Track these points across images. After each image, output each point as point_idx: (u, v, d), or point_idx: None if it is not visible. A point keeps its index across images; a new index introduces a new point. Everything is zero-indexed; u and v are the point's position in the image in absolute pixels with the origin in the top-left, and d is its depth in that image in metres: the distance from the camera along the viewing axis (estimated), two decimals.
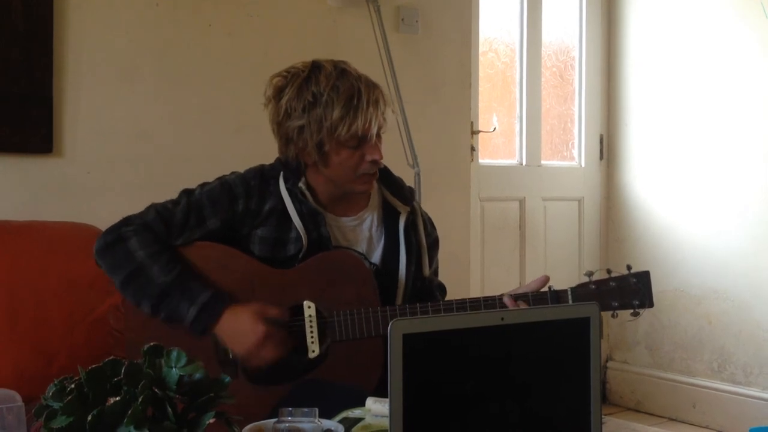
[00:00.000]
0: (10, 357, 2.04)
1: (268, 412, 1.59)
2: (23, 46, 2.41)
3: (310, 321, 1.83)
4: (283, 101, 1.84)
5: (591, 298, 1.79)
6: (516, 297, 1.81)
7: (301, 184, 1.89)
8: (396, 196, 1.98)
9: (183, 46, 2.74)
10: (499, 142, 3.85)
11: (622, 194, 4.09)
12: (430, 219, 2.06)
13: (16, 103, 2.41)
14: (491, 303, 1.82)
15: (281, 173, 1.91)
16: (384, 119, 1.86)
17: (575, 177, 4.08)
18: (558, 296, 1.81)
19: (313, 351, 1.83)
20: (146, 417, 0.98)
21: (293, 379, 1.82)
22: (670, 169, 3.87)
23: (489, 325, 1.07)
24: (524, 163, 3.89)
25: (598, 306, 1.15)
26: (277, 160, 1.95)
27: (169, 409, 1.00)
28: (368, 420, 1.43)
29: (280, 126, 1.86)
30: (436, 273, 2.07)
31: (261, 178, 1.91)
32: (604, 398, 4.07)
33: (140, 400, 0.98)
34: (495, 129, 3.75)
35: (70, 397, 0.99)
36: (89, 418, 0.97)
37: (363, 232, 1.96)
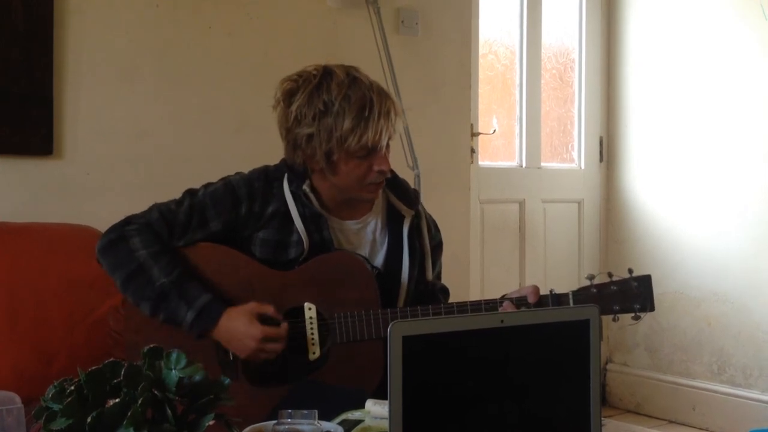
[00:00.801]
0: (10, 358, 2.04)
1: (267, 414, 1.59)
2: (23, 46, 2.41)
3: (311, 323, 1.83)
4: (294, 107, 1.82)
5: (592, 302, 1.79)
6: (518, 303, 1.80)
7: (305, 187, 1.88)
8: (401, 200, 1.97)
9: (183, 46, 2.74)
10: (499, 144, 3.85)
11: (621, 196, 4.09)
12: (434, 222, 2.06)
13: (16, 103, 2.41)
14: (492, 306, 1.81)
15: (285, 175, 1.90)
16: (394, 130, 1.84)
17: (575, 179, 4.08)
18: (559, 300, 1.81)
19: (314, 353, 1.83)
20: (146, 419, 0.98)
21: (293, 381, 1.82)
22: (670, 171, 3.87)
23: (489, 327, 1.07)
24: (524, 165, 3.89)
25: (598, 308, 1.15)
26: (282, 161, 1.94)
27: (169, 411, 1.00)
28: (368, 422, 1.43)
29: (288, 132, 1.85)
30: (439, 276, 2.07)
31: (265, 179, 1.90)
32: (604, 400, 4.07)
33: (140, 402, 0.98)
34: (495, 131, 3.75)
35: (69, 399, 0.99)
36: (89, 419, 0.97)
37: (367, 235, 1.95)
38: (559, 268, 3.95)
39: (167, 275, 1.79)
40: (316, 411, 1.27)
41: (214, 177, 1.95)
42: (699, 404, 3.76)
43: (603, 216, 4.15)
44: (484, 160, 3.71)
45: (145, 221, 1.85)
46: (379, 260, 1.95)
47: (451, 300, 1.99)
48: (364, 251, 1.94)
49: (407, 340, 1.00)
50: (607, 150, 4.14)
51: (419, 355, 1.01)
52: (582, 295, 1.81)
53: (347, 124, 1.77)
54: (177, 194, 1.92)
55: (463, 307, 1.82)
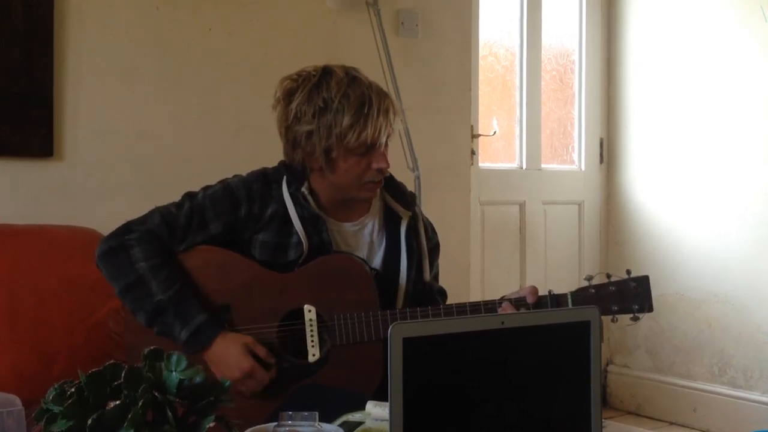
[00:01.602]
0: (10, 360, 2.04)
1: (268, 416, 1.59)
2: (23, 47, 2.41)
3: (311, 325, 1.83)
4: (293, 105, 1.83)
5: (591, 303, 1.79)
6: (517, 303, 1.80)
7: (303, 189, 1.88)
8: (398, 201, 1.98)
9: (183, 47, 2.74)
10: (499, 146, 3.85)
11: (622, 198, 4.09)
12: (431, 224, 2.06)
13: (16, 103, 2.41)
14: (491, 307, 1.82)
15: (284, 177, 1.91)
16: (392, 128, 1.86)
17: (575, 180, 4.08)
18: (558, 300, 1.81)
19: (314, 355, 1.83)
20: (146, 421, 0.98)
21: (293, 383, 1.82)
22: (670, 173, 3.87)
23: (489, 328, 1.07)
24: (524, 166, 3.89)
25: (599, 310, 1.15)
26: (281, 163, 1.95)
27: (169, 413, 1.00)
28: (368, 424, 1.43)
29: (288, 129, 1.86)
30: (436, 278, 2.07)
31: (264, 181, 1.91)
32: (605, 402, 4.06)
33: (140, 404, 0.98)
34: (495, 132, 3.75)
35: (70, 401, 0.99)
36: (89, 422, 0.97)
37: (364, 237, 1.95)
38: (560, 270, 3.95)
39: (165, 291, 1.79)
40: (317, 413, 1.27)
41: (215, 178, 1.95)
42: (700, 406, 3.76)
43: (603, 217, 4.15)
44: (484, 162, 3.71)
45: (146, 228, 1.85)
46: (377, 262, 1.95)
47: (451, 302, 1.99)
48: (362, 253, 1.94)
49: (408, 342, 1.00)
50: (608, 151, 4.14)
51: (420, 356, 1.01)
52: (580, 295, 1.82)
53: (346, 120, 1.78)
54: (177, 195, 1.92)
55: (463, 308, 1.82)
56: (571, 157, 4.12)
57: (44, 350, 2.08)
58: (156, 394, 1.00)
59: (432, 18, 3.36)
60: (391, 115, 1.84)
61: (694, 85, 3.77)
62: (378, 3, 2.93)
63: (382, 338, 1.79)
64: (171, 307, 1.78)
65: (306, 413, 1.26)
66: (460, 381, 1.05)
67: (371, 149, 1.83)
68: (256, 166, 1.97)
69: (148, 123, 2.68)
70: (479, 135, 3.60)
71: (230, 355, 1.78)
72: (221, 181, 1.93)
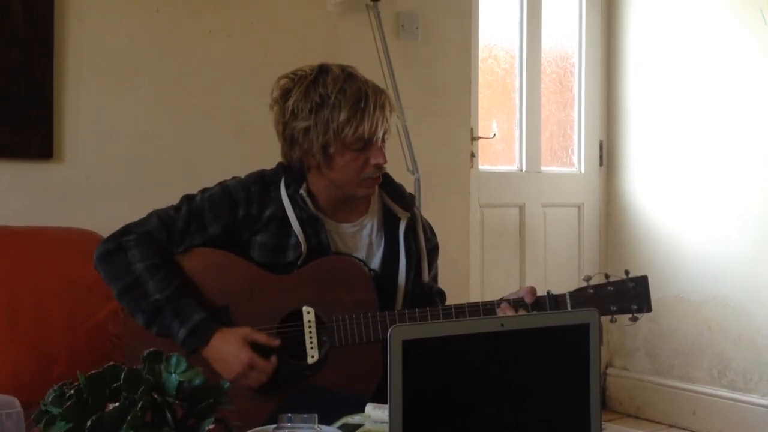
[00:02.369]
0: (10, 362, 2.04)
1: (267, 418, 1.59)
2: (23, 48, 2.41)
3: (309, 326, 1.83)
4: (290, 102, 1.84)
5: (589, 303, 1.79)
6: (515, 304, 1.81)
7: (302, 191, 1.88)
8: (396, 202, 1.98)
9: (183, 49, 2.74)
10: (499, 148, 3.85)
11: (621, 200, 4.09)
12: (430, 225, 2.06)
13: (16, 104, 2.41)
14: (490, 308, 1.82)
15: (282, 179, 1.91)
16: (389, 123, 1.86)
17: (575, 183, 4.09)
18: (556, 301, 1.81)
19: (312, 356, 1.83)
20: (145, 423, 0.98)
21: (293, 385, 1.82)
22: (670, 175, 3.87)
23: (489, 331, 1.07)
24: (524, 169, 3.89)
25: (598, 313, 1.15)
26: (279, 165, 1.95)
27: (169, 415, 1.00)
28: (368, 426, 1.43)
29: (285, 127, 1.86)
30: (435, 279, 2.07)
31: (262, 183, 1.91)
32: (604, 405, 4.06)
33: (139, 405, 0.97)
34: (495, 135, 3.75)
35: (69, 403, 0.99)
36: (88, 423, 0.97)
37: (363, 238, 1.96)
38: (559, 272, 3.95)
39: (162, 290, 1.79)
40: (316, 415, 1.27)
41: (215, 179, 1.95)
42: (699, 408, 3.76)
43: (603, 220, 4.15)
44: (484, 164, 3.71)
45: (144, 230, 1.85)
46: (375, 262, 1.95)
47: (450, 303, 1.99)
48: (361, 254, 1.94)
49: (407, 344, 1.00)
50: (607, 154, 4.14)
51: (419, 358, 1.01)
52: (579, 296, 1.82)
53: (343, 115, 1.79)
54: (177, 197, 1.92)
55: (461, 310, 1.82)
56: (571, 159, 4.12)
57: (43, 352, 2.08)
58: (155, 396, 1.00)
59: (432, 20, 3.36)
60: (388, 111, 1.85)
61: (694, 87, 3.77)
62: (378, 5, 2.93)
63: (381, 339, 1.79)
64: (169, 306, 1.79)
65: (305, 415, 1.26)
66: (459, 383, 1.05)
67: (368, 145, 1.84)
68: (256, 168, 1.97)
69: (148, 124, 2.68)
70: (479, 137, 3.60)
71: (229, 351, 1.78)
72: (219, 183, 1.93)
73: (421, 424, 1.01)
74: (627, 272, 1.84)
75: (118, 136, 2.62)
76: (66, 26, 2.51)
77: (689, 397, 3.79)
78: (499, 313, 1.80)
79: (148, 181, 2.65)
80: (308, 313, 1.83)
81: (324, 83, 1.82)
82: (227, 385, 1.08)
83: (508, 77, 3.87)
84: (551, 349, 1.11)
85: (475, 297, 3.50)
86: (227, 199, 1.88)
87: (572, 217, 4.07)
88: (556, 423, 1.12)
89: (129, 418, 0.97)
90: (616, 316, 1.82)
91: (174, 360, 1.04)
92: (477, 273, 3.62)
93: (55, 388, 1.02)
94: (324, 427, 1.29)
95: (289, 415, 1.26)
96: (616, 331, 4.08)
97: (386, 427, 1.02)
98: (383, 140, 1.87)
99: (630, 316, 1.81)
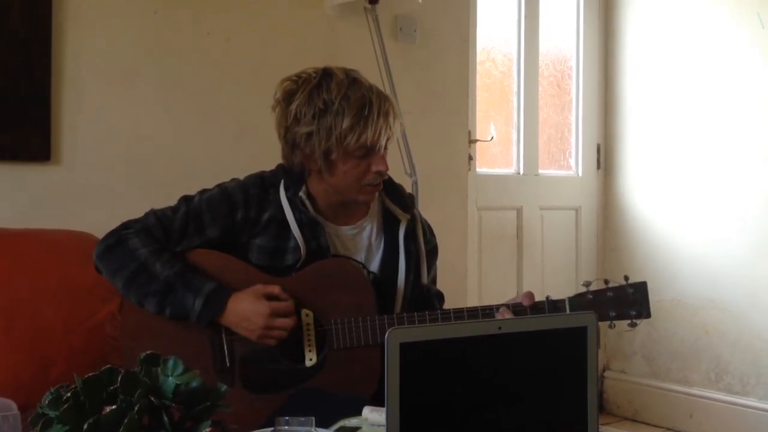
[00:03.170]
0: (7, 364, 2.03)
1: (264, 421, 1.59)
2: (22, 50, 2.40)
3: (308, 329, 1.83)
4: (293, 106, 1.83)
5: (588, 308, 1.79)
6: (514, 309, 1.80)
7: (301, 194, 1.88)
8: (396, 204, 1.98)
9: (182, 51, 2.74)
10: (497, 151, 3.86)
11: (619, 203, 4.10)
12: (429, 226, 2.06)
13: (15, 105, 2.41)
14: (489, 312, 1.82)
15: (282, 181, 1.90)
16: (392, 131, 1.86)
17: (572, 186, 4.09)
18: (556, 306, 1.81)
19: (311, 359, 1.83)
20: (142, 426, 0.98)
21: (290, 388, 1.82)
22: (668, 178, 3.88)
23: (486, 334, 1.07)
24: (522, 172, 3.90)
25: (596, 316, 1.15)
26: (278, 167, 1.95)
27: (166, 418, 1.00)
28: (365, 429, 1.42)
29: (287, 130, 1.86)
30: (434, 281, 2.07)
31: (261, 186, 1.91)
32: (601, 408, 4.06)
33: (137, 408, 0.97)
34: (492, 138, 3.75)
35: (66, 406, 0.99)
36: (85, 426, 0.97)
37: (362, 240, 1.95)
38: (557, 275, 3.95)
39: (171, 268, 1.80)
40: (314, 418, 1.27)
41: (214, 182, 1.95)
42: (697, 412, 3.76)
43: (600, 223, 4.15)
44: (481, 167, 3.71)
45: (142, 226, 1.86)
46: (375, 265, 1.95)
47: (448, 306, 1.99)
48: (360, 256, 1.94)
49: (405, 347, 1.00)
50: (605, 157, 4.15)
51: (417, 362, 1.01)
52: (578, 301, 1.82)
53: (346, 122, 1.78)
54: (175, 199, 1.92)
55: (460, 313, 1.82)
56: (569, 162, 4.13)
57: (41, 354, 2.08)
58: (152, 398, 1.00)
59: (430, 24, 3.36)
60: (391, 118, 1.84)
61: (692, 90, 3.78)
62: (376, 8, 2.93)
63: (379, 343, 1.79)
64: (179, 281, 1.79)
65: (302, 418, 1.26)
66: (456, 386, 1.05)
67: (371, 152, 1.83)
68: (255, 170, 1.97)
69: (147, 126, 2.68)
70: (477, 140, 3.61)
71: (246, 309, 1.78)
72: (218, 185, 1.93)
73: (419, 427, 1.01)
74: (626, 278, 1.84)
75: (116, 137, 2.61)
76: (65, 27, 2.51)
77: (687, 401, 3.79)
78: (498, 317, 1.80)
79: (147, 183, 2.64)
80: (306, 315, 1.83)
81: (328, 88, 1.81)
82: (224, 388, 1.08)
83: (506, 80, 3.87)
84: (549, 353, 1.11)
85: (472, 300, 3.50)
86: (226, 202, 1.88)
87: (570, 220, 4.07)
88: (554, 426, 1.12)
89: (126, 420, 0.97)
90: (615, 321, 1.82)
91: (171, 363, 1.04)
92: (474, 276, 3.62)
93: (52, 390, 1.02)
94: (321, 430, 1.29)
95: (287, 417, 1.26)
96: (614, 335, 4.08)
97: (384, 430, 1.02)
98: (385, 147, 1.86)
99: (629, 322, 1.81)
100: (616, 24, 4.09)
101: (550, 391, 1.11)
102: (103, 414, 0.98)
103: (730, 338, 3.66)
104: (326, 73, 1.85)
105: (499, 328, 1.08)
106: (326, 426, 1.38)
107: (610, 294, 1.82)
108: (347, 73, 1.85)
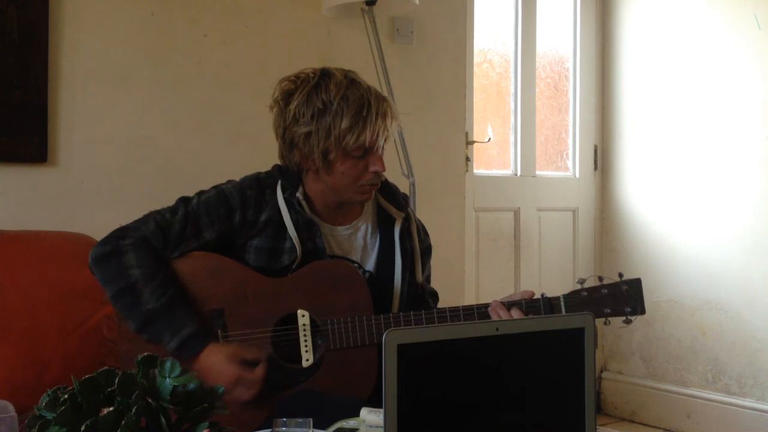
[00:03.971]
0: (3, 366, 2.03)
1: (262, 423, 1.59)
2: (18, 53, 2.40)
3: (304, 330, 1.83)
4: (292, 106, 1.84)
5: (583, 306, 1.80)
6: (508, 305, 1.81)
7: (298, 194, 1.88)
8: (391, 203, 1.99)
9: (178, 54, 2.74)
10: (494, 153, 3.86)
11: (616, 204, 4.10)
12: (423, 226, 2.07)
13: (11, 109, 2.41)
14: (484, 311, 1.82)
15: (279, 182, 1.90)
16: (390, 132, 1.86)
17: (570, 187, 4.09)
18: (551, 303, 1.81)
19: (307, 360, 1.83)
20: (140, 428, 0.98)
21: (287, 389, 1.81)
22: (664, 180, 3.88)
23: (484, 335, 1.07)
24: (519, 173, 3.90)
25: (593, 317, 1.15)
26: (275, 167, 1.95)
27: (163, 420, 1.00)
28: (363, 430, 1.42)
29: (286, 130, 1.86)
30: (428, 280, 2.08)
31: (258, 187, 1.90)
32: (599, 409, 4.06)
33: (134, 410, 0.97)
34: (490, 139, 3.75)
35: (63, 408, 0.98)
36: (82, 428, 0.97)
37: (358, 240, 1.96)
38: (554, 277, 3.95)
39: (157, 299, 1.78)
40: (311, 419, 1.27)
41: (210, 184, 1.95)
42: (694, 412, 3.76)
43: (597, 224, 4.16)
44: (479, 169, 3.71)
45: (140, 234, 1.84)
46: (370, 264, 1.95)
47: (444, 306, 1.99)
48: (356, 256, 1.95)
49: (402, 348, 1.00)
50: (602, 158, 4.15)
51: (415, 362, 1.01)
52: (573, 298, 1.82)
53: (345, 123, 1.79)
54: (171, 202, 1.92)
55: (456, 312, 1.82)
56: (566, 164, 4.13)
57: (37, 357, 2.07)
58: (149, 400, 1.00)
59: (427, 25, 3.36)
60: (389, 119, 1.85)
61: (688, 92, 3.78)
62: (373, 10, 2.94)
63: (375, 343, 1.79)
64: (161, 316, 1.77)
65: (300, 420, 1.26)
66: (454, 387, 1.05)
67: (368, 152, 1.84)
68: (252, 172, 1.97)
69: (143, 129, 2.67)
70: (474, 142, 3.61)
71: (215, 366, 1.76)
72: (215, 187, 1.93)
73: (416, 428, 1.01)
74: (621, 275, 1.84)
75: (112, 140, 2.61)
76: (60, 31, 2.51)
77: (684, 401, 3.80)
78: (490, 311, 1.81)
79: (143, 186, 2.64)
80: (303, 316, 1.83)
81: (327, 89, 1.82)
82: (222, 389, 1.08)
83: (503, 81, 3.87)
84: (546, 353, 1.11)
85: (469, 301, 3.50)
86: (223, 205, 1.88)
87: (567, 221, 4.07)
88: (551, 427, 1.12)
89: (123, 422, 0.97)
90: (609, 318, 1.82)
91: (168, 364, 1.04)
92: (472, 277, 3.62)
93: (49, 392, 1.02)
94: None
95: (284, 419, 1.26)
96: (611, 335, 4.09)
97: (381, 431, 1.02)
98: (383, 148, 1.87)
99: (624, 318, 1.82)
100: (613, 26, 4.10)
101: (547, 392, 1.11)
102: (101, 416, 0.98)
103: (727, 339, 3.67)
104: (325, 74, 1.85)
105: (497, 329, 1.08)
106: (324, 427, 1.38)
107: (604, 291, 1.82)
108: (346, 73, 1.86)
